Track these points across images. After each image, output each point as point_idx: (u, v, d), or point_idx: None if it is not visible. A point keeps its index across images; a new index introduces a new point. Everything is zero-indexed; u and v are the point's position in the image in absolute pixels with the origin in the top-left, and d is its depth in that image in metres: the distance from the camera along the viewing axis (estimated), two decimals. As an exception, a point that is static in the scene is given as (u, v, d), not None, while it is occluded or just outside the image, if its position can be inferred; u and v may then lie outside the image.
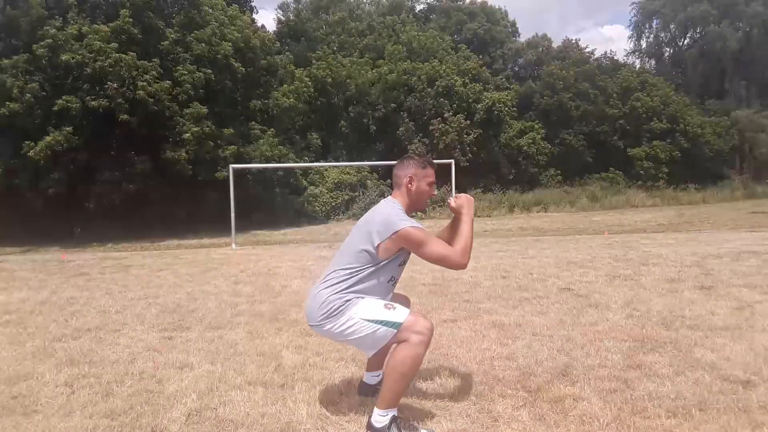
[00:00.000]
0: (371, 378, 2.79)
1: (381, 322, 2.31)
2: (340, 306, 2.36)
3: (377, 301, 2.40)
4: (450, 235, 2.58)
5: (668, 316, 4.19)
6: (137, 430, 2.47)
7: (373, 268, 2.42)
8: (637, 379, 2.89)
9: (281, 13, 32.90)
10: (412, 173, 2.52)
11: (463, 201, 2.57)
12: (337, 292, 2.39)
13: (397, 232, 2.34)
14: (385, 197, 2.73)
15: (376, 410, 2.35)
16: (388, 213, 2.42)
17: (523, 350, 3.43)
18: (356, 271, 2.41)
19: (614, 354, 3.30)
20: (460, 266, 2.41)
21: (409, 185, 2.52)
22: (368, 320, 2.33)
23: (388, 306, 2.37)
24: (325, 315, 2.38)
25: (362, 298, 2.40)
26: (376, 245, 2.37)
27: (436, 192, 2.61)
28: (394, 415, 2.34)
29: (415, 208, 2.57)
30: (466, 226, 2.48)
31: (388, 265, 2.44)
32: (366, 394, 2.76)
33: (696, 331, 3.75)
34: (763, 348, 3.31)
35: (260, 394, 2.84)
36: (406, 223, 2.37)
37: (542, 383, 2.86)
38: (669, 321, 4.03)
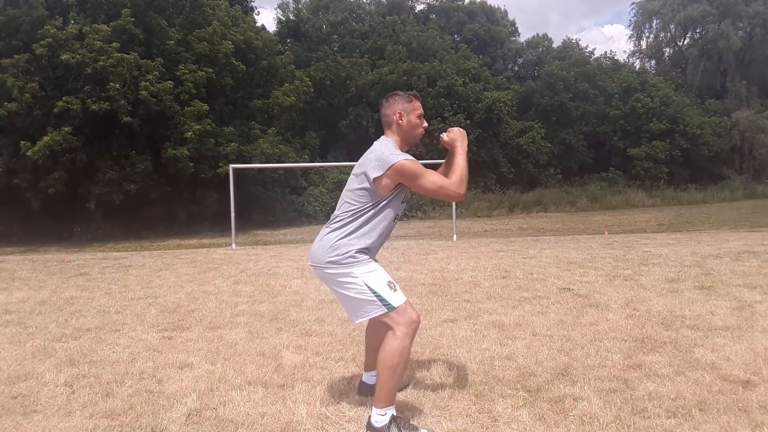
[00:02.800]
0: (370, 378, 2.79)
1: (379, 296, 2.33)
2: (350, 257, 2.37)
3: (385, 274, 2.41)
4: (445, 169, 2.59)
5: (668, 316, 4.19)
6: (137, 430, 2.47)
7: (377, 207, 2.42)
8: (637, 379, 2.88)
9: (281, 13, 32.91)
10: (400, 108, 2.52)
11: (456, 134, 2.58)
12: (344, 236, 2.40)
13: (392, 165, 2.34)
14: None
15: (374, 410, 2.35)
16: (382, 150, 2.42)
17: (523, 350, 3.43)
18: (359, 212, 2.42)
19: (614, 354, 3.30)
20: (458, 196, 2.43)
21: (400, 121, 2.52)
22: (369, 287, 2.34)
23: (392, 285, 2.38)
24: (332, 260, 2.38)
25: (371, 261, 2.42)
26: (373, 181, 2.37)
27: (426, 124, 2.59)
28: (393, 414, 2.34)
29: (408, 142, 2.56)
30: (460, 158, 2.50)
31: (390, 202, 2.45)
32: (366, 393, 2.76)
33: (696, 331, 3.75)
34: (763, 348, 3.31)
35: (260, 394, 2.84)
36: (401, 157, 2.37)
37: (542, 383, 2.86)
38: (669, 321, 4.03)
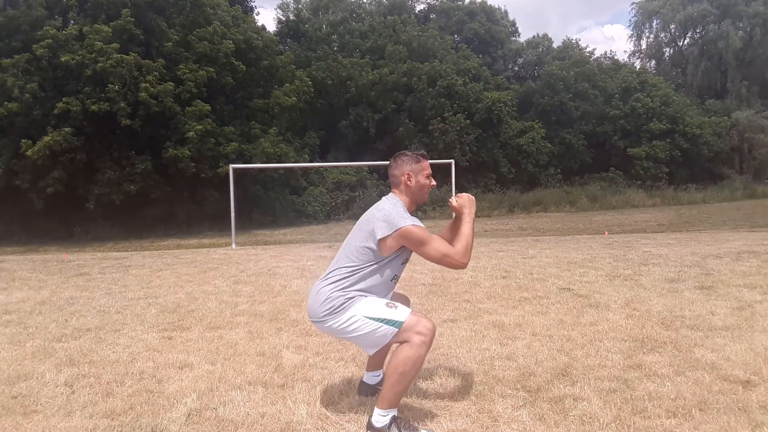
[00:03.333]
0: (371, 378, 2.79)
1: (382, 321, 2.32)
2: (343, 303, 2.37)
3: (379, 299, 2.41)
4: (451, 234, 2.59)
5: (668, 316, 4.19)
6: (137, 430, 2.47)
7: (376, 266, 2.42)
8: (637, 379, 2.89)
9: (281, 13, 32.91)
10: (408, 170, 2.52)
11: (464, 200, 2.58)
12: (339, 289, 2.40)
13: (398, 230, 2.35)
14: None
15: (376, 410, 2.35)
16: (390, 211, 2.42)
17: (523, 350, 3.43)
18: (358, 269, 2.42)
19: (614, 354, 3.30)
20: (461, 266, 2.42)
21: (408, 182, 2.52)
22: (370, 318, 2.33)
23: (390, 305, 2.38)
24: (327, 311, 2.38)
25: (365, 296, 2.41)
26: (377, 242, 2.37)
27: (435, 182, 2.60)
28: (394, 415, 2.34)
29: (416, 203, 2.57)
30: (467, 225, 2.49)
31: (390, 263, 2.45)
32: (366, 393, 2.77)
33: (696, 331, 3.75)
34: (763, 348, 3.31)
35: (260, 394, 2.84)
36: (408, 221, 2.37)
37: (542, 383, 2.86)
38: (669, 321, 4.03)
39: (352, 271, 2.42)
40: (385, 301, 2.40)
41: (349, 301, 2.37)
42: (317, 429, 2.45)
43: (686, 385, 2.76)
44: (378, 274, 2.43)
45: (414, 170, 2.53)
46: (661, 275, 6.00)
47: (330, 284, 2.42)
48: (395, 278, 2.53)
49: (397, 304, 2.41)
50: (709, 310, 4.34)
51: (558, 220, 18.01)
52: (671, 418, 2.42)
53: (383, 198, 2.57)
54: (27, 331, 4.28)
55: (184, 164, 16.37)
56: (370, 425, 2.36)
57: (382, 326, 2.32)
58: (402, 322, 2.31)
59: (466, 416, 2.50)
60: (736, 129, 30.22)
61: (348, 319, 2.35)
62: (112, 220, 16.79)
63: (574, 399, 2.64)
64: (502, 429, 2.38)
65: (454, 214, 2.67)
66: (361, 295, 2.40)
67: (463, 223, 2.52)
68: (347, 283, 2.41)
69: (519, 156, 26.07)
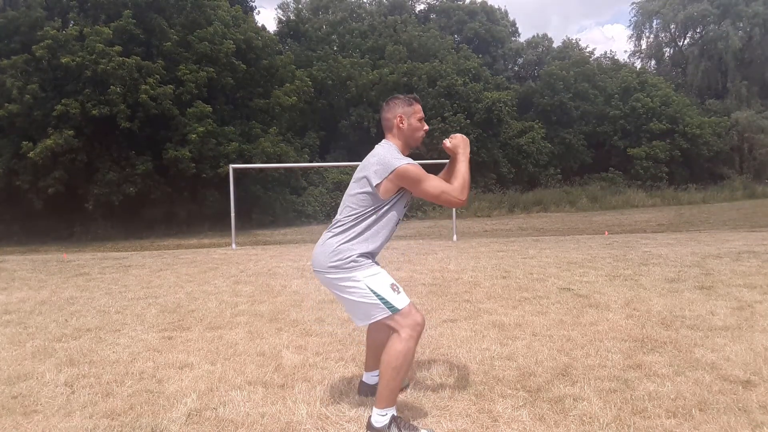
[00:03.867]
0: (370, 378, 2.79)
1: (382, 299, 2.33)
2: (352, 262, 2.36)
3: (388, 276, 2.41)
4: (448, 175, 2.59)
5: (668, 316, 4.19)
6: (137, 430, 2.47)
7: (380, 211, 2.42)
8: (637, 379, 2.88)
9: (281, 12, 32.93)
10: (401, 112, 2.51)
11: (458, 140, 2.57)
12: (346, 241, 2.39)
13: (394, 170, 2.34)
14: None
15: (375, 410, 2.35)
16: (384, 154, 2.41)
17: (523, 350, 3.43)
18: (361, 216, 2.41)
19: (614, 354, 3.30)
20: (459, 202, 2.43)
21: (401, 124, 2.51)
22: (372, 290, 2.34)
23: (395, 287, 2.38)
24: (333, 264, 2.38)
25: (373, 264, 2.41)
26: (375, 185, 2.36)
27: (427, 127, 2.59)
28: (393, 415, 2.34)
29: (410, 145, 2.55)
30: (462, 164, 2.50)
31: (393, 206, 2.45)
32: (366, 393, 2.77)
33: (696, 331, 3.75)
34: (763, 348, 3.31)
35: (260, 394, 2.84)
36: (403, 161, 2.36)
37: (542, 383, 2.86)
38: (669, 321, 4.03)
39: (355, 219, 2.41)
40: (392, 280, 2.40)
41: (357, 264, 2.37)
42: (317, 429, 2.45)
43: (686, 385, 2.76)
44: (383, 219, 2.43)
45: (407, 113, 2.52)
46: (661, 275, 6.00)
47: (336, 235, 2.42)
48: (399, 221, 2.53)
49: (401, 289, 2.41)
50: (709, 310, 4.34)
51: (558, 220, 18.01)
52: (671, 418, 2.42)
53: (377, 145, 2.55)
54: (27, 331, 4.28)
55: (184, 165, 16.38)
56: (369, 425, 2.36)
57: (379, 304, 2.33)
58: (399, 310, 2.32)
59: (466, 416, 2.50)
60: (736, 129, 30.22)
61: (351, 279, 2.36)
62: (112, 221, 16.80)
63: (574, 399, 2.64)
64: (502, 429, 2.38)
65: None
66: (371, 263, 2.40)
67: (458, 162, 2.51)
68: (353, 234, 2.40)
69: (519, 156, 26.08)
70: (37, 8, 16.09)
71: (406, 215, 2.55)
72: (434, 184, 2.40)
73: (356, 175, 2.48)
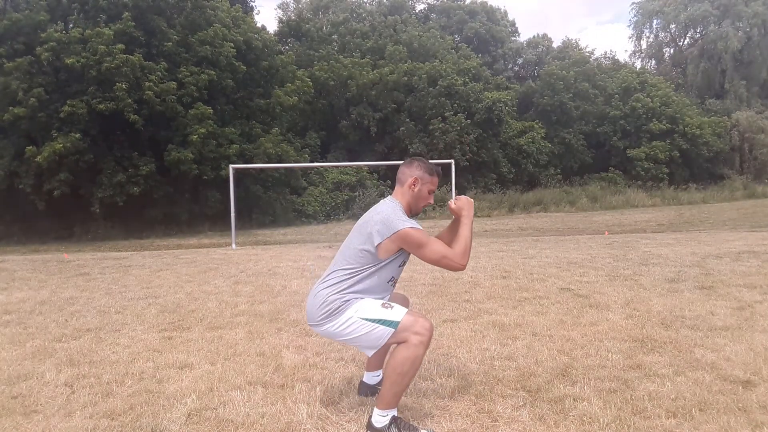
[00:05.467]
0: (371, 378, 2.79)
1: (379, 321, 2.32)
2: (340, 306, 2.37)
3: (375, 300, 2.41)
4: (449, 236, 2.60)
5: (668, 316, 4.19)
6: (137, 430, 2.47)
7: (374, 269, 2.42)
8: (637, 379, 2.88)
9: (281, 12, 32.94)
10: (418, 175, 2.53)
11: (463, 203, 2.59)
12: (337, 292, 2.40)
13: (396, 232, 2.35)
14: (384, 197, 2.73)
15: (375, 410, 2.35)
16: (388, 213, 2.42)
17: (523, 350, 3.43)
18: (356, 272, 2.42)
19: (614, 354, 3.30)
20: (460, 267, 2.43)
21: (413, 186, 2.53)
22: (366, 319, 2.33)
23: (386, 305, 2.38)
24: (324, 314, 2.38)
25: (361, 298, 2.41)
26: (375, 245, 2.38)
27: (432, 201, 2.61)
28: (394, 416, 2.34)
29: (411, 209, 2.57)
30: (465, 228, 2.50)
31: (388, 265, 2.45)
32: (366, 393, 2.77)
33: (696, 331, 3.75)
34: (763, 348, 3.31)
35: (260, 394, 2.84)
36: (406, 224, 2.37)
37: (542, 383, 2.86)
38: (669, 321, 4.03)
39: (350, 274, 2.42)
40: (381, 301, 2.40)
41: (345, 304, 2.37)
42: (317, 429, 2.45)
43: (686, 385, 2.76)
44: (376, 277, 2.44)
45: (423, 179, 2.53)
46: (661, 275, 6.00)
47: (328, 287, 2.43)
48: (392, 280, 2.53)
49: (393, 304, 2.41)
50: (709, 310, 4.33)
51: (558, 220, 18.01)
52: (671, 418, 2.42)
53: (382, 200, 2.57)
54: (27, 331, 4.28)
55: (186, 167, 16.40)
56: (369, 425, 2.36)
57: (378, 327, 2.32)
58: (398, 323, 2.31)
59: (466, 416, 2.50)
60: (736, 129, 30.22)
61: (344, 322, 2.36)
62: (113, 221, 16.81)
63: (574, 399, 2.64)
64: (502, 429, 2.38)
65: (453, 216, 2.67)
66: (358, 297, 2.40)
67: (461, 225, 2.52)
68: (345, 286, 2.41)
69: (519, 156, 26.07)
70: (40, 11, 16.14)
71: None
72: (435, 249, 2.39)
73: (359, 227, 2.49)
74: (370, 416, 2.37)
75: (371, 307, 2.36)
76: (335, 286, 2.42)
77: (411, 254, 2.49)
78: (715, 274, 5.92)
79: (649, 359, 3.19)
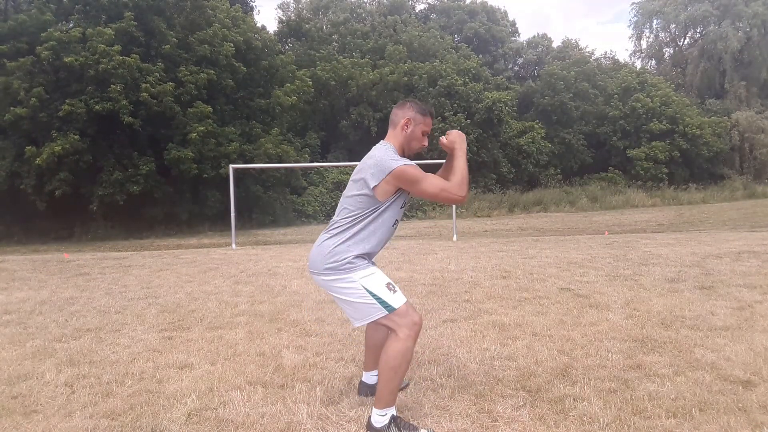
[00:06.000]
0: (370, 378, 2.79)
1: (378, 299, 2.33)
2: (348, 263, 2.36)
3: (383, 276, 2.41)
4: (445, 173, 2.57)
5: (668, 316, 4.19)
6: (137, 430, 2.47)
7: (375, 213, 2.41)
8: (637, 379, 2.89)
9: (281, 12, 32.95)
10: (411, 116, 2.50)
11: (454, 136, 2.56)
12: (342, 242, 2.39)
13: (391, 171, 2.33)
14: None
15: (374, 410, 2.35)
16: (381, 155, 2.40)
17: (523, 350, 3.43)
18: (359, 218, 2.41)
19: (614, 354, 3.30)
20: (459, 199, 2.41)
21: (405, 127, 2.50)
22: (368, 290, 2.34)
23: (390, 287, 2.38)
24: (330, 266, 2.38)
25: (369, 265, 2.41)
26: (372, 188, 2.36)
27: (426, 143, 2.57)
28: (393, 415, 2.34)
29: (405, 151, 2.53)
30: (460, 160, 2.48)
31: (389, 208, 2.44)
32: (366, 393, 2.77)
33: (696, 331, 3.75)
34: (763, 348, 3.31)
35: (260, 394, 2.84)
36: (400, 162, 2.35)
37: (542, 383, 2.86)
38: (669, 321, 4.03)
39: (353, 220, 2.41)
40: (387, 280, 2.40)
41: (353, 265, 2.37)
42: (317, 429, 2.45)
43: (686, 385, 2.76)
44: (379, 221, 2.43)
45: (416, 120, 2.50)
46: (661, 275, 6.00)
47: (333, 237, 2.42)
48: (396, 222, 2.52)
49: (396, 288, 2.41)
50: (709, 310, 4.34)
51: (558, 220, 18.01)
52: (671, 418, 2.42)
53: (375, 146, 2.54)
54: (27, 331, 4.28)
55: (186, 166, 16.40)
56: (369, 426, 2.36)
57: (375, 304, 2.33)
58: (394, 309, 2.32)
59: (466, 416, 2.50)
60: (736, 129, 30.22)
61: (347, 280, 2.36)
62: (113, 221, 16.81)
63: (574, 399, 2.64)
64: (502, 429, 2.38)
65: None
66: (366, 264, 2.40)
67: (455, 158, 2.50)
68: (349, 234, 2.40)
69: (519, 156, 26.07)
70: (46, 12, 16.20)
71: (405, 215, 2.55)
72: (433, 182, 2.39)
73: (354, 176, 2.48)
74: (370, 416, 2.37)
75: (378, 282, 2.37)
76: (340, 235, 2.41)
77: (410, 194, 2.47)
78: (715, 274, 5.92)
79: (649, 359, 3.19)
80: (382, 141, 2.56)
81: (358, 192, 2.40)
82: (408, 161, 2.38)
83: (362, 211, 2.40)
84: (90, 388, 2.98)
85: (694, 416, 2.43)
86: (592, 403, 2.58)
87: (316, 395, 2.80)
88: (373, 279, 2.37)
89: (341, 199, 2.51)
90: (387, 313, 2.33)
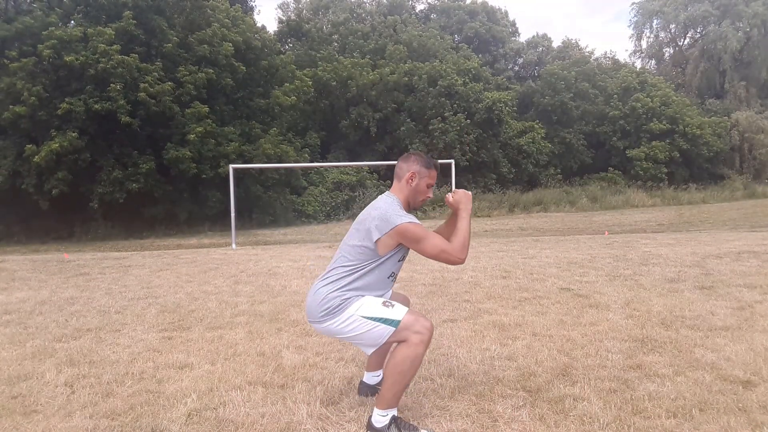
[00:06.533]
0: (371, 378, 2.79)
1: (379, 320, 2.32)
2: (340, 303, 2.37)
3: (376, 299, 2.41)
4: (448, 230, 2.58)
5: (668, 316, 4.19)
6: (137, 430, 2.47)
7: (373, 265, 2.42)
8: (637, 379, 2.89)
9: (281, 12, 32.96)
10: (416, 170, 2.52)
11: (460, 196, 2.57)
12: (337, 289, 2.40)
13: (395, 227, 2.35)
14: None
15: (375, 410, 2.35)
16: (386, 209, 2.42)
17: (523, 350, 3.43)
18: (356, 268, 2.42)
19: (614, 354, 3.30)
20: (459, 261, 2.42)
21: (410, 180, 2.52)
22: (367, 317, 2.34)
23: (387, 304, 2.38)
24: (325, 312, 2.38)
25: (362, 296, 2.41)
26: (374, 241, 2.37)
27: (431, 195, 2.60)
28: (394, 415, 2.34)
29: (410, 204, 2.56)
30: (463, 221, 2.49)
31: (387, 261, 2.45)
32: (366, 394, 2.77)
33: (696, 331, 3.75)
34: (763, 348, 3.31)
35: (260, 394, 2.84)
36: (404, 219, 2.36)
37: (542, 383, 2.86)
38: (669, 321, 4.03)
39: (350, 270, 2.42)
40: (381, 300, 2.40)
41: (346, 302, 2.37)
42: (317, 429, 2.45)
43: (686, 385, 2.76)
44: (376, 273, 2.44)
45: (421, 173, 2.52)
46: (661, 275, 6.00)
47: (328, 284, 2.43)
48: (392, 276, 2.53)
49: (394, 303, 2.41)
50: (709, 310, 4.34)
51: (558, 220, 18.01)
52: (671, 418, 2.42)
53: (380, 196, 2.56)
54: (27, 331, 4.28)
55: (185, 165, 16.39)
56: (370, 425, 2.36)
57: (379, 325, 2.32)
58: (399, 321, 2.31)
59: (466, 416, 2.50)
60: (736, 129, 30.22)
61: (346, 320, 2.36)
62: (113, 221, 16.81)
63: (574, 399, 2.64)
64: (502, 429, 2.38)
65: (450, 211, 2.66)
66: (358, 295, 2.40)
67: (459, 219, 2.51)
68: (344, 283, 2.41)
69: (519, 156, 26.06)
70: (50, 14, 16.25)
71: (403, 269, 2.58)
72: (434, 243, 2.38)
73: (357, 225, 2.48)
74: (370, 416, 2.37)
75: (372, 305, 2.36)
76: (335, 283, 2.41)
77: (410, 249, 2.49)
78: (715, 274, 5.92)
79: (649, 359, 3.19)
80: (387, 192, 2.58)
81: (360, 243, 2.41)
82: (413, 218, 2.39)
83: (361, 262, 2.41)
84: (90, 388, 2.98)
85: (694, 416, 2.42)
86: (592, 403, 2.58)
87: (316, 395, 2.80)
88: (368, 304, 2.37)
89: (341, 246, 2.52)
90: (393, 329, 2.31)
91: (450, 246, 2.40)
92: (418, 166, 2.52)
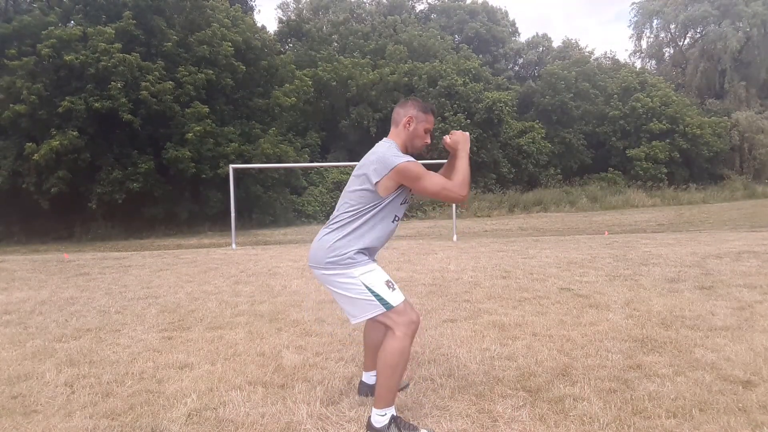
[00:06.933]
0: (370, 378, 2.79)
1: (377, 296, 2.34)
2: (348, 259, 2.37)
3: (383, 274, 2.41)
4: (447, 171, 2.59)
5: (668, 316, 4.19)
6: (137, 430, 2.47)
7: (376, 209, 2.42)
8: (637, 379, 2.89)
9: (281, 12, 32.96)
10: (413, 114, 2.51)
11: (458, 137, 2.58)
12: (343, 236, 2.40)
13: (394, 167, 2.34)
14: None
15: (374, 410, 2.35)
16: (383, 152, 2.42)
17: (523, 350, 3.43)
18: (359, 213, 2.41)
19: (614, 354, 3.30)
20: (460, 198, 2.43)
21: (407, 125, 2.51)
22: (367, 287, 2.35)
23: (390, 284, 2.39)
24: (331, 260, 2.39)
25: (370, 262, 2.42)
26: (374, 183, 2.37)
27: (429, 141, 2.58)
28: (393, 415, 2.34)
29: (407, 149, 2.54)
30: (462, 160, 2.50)
31: (390, 204, 2.45)
32: (366, 393, 2.77)
33: (696, 331, 3.75)
34: (763, 348, 3.31)
35: (260, 394, 2.84)
36: (402, 159, 2.36)
37: (542, 383, 2.86)
38: (669, 321, 4.03)
39: (353, 215, 2.41)
40: (387, 277, 2.41)
41: (354, 261, 2.38)
42: (317, 429, 2.45)
43: (686, 385, 2.76)
44: (380, 216, 2.43)
45: (418, 117, 2.52)
46: (661, 275, 6.00)
47: (333, 232, 2.43)
48: (396, 219, 2.52)
49: (396, 285, 2.42)
50: (709, 310, 4.34)
51: (558, 220, 18.01)
52: (671, 418, 2.42)
53: (377, 143, 2.55)
54: (27, 331, 4.28)
55: (184, 165, 16.39)
56: (369, 426, 2.36)
57: (373, 300, 2.34)
58: (393, 306, 2.34)
59: (466, 416, 2.50)
60: (736, 129, 30.22)
61: (346, 275, 2.37)
62: (113, 221, 16.80)
63: (574, 399, 2.64)
64: (502, 429, 2.38)
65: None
66: (367, 260, 2.41)
67: (458, 158, 2.52)
68: (350, 229, 2.41)
69: (519, 156, 26.06)
70: (50, 13, 16.24)
71: (405, 215, 2.57)
72: (434, 180, 2.40)
73: (356, 171, 2.48)
74: (370, 417, 2.37)
75: (377, 278, 2.37)
76: (341, 230, 2.41)
77: (412, 192, 2.49)
78: (715, 274, 5.92)
79: (649, 359, 3.19)
80: (384, 138, 2.56)
81: (360, 187, 2.41)
82: (410, 158, 2.40)
83: (363, 206, 2.41)
84: (90, 388, 2.98)
85: (694, 416, 2.43)
86: (592, 403, 2.58)
87: (316, 395, 2.80)
88: (373, 276, 2.38)
89: (342, 195, 2.52)
90: (385, 310, 2.34)
91: (450, 183, 2.41)
92: (415, 111, 2.52)
